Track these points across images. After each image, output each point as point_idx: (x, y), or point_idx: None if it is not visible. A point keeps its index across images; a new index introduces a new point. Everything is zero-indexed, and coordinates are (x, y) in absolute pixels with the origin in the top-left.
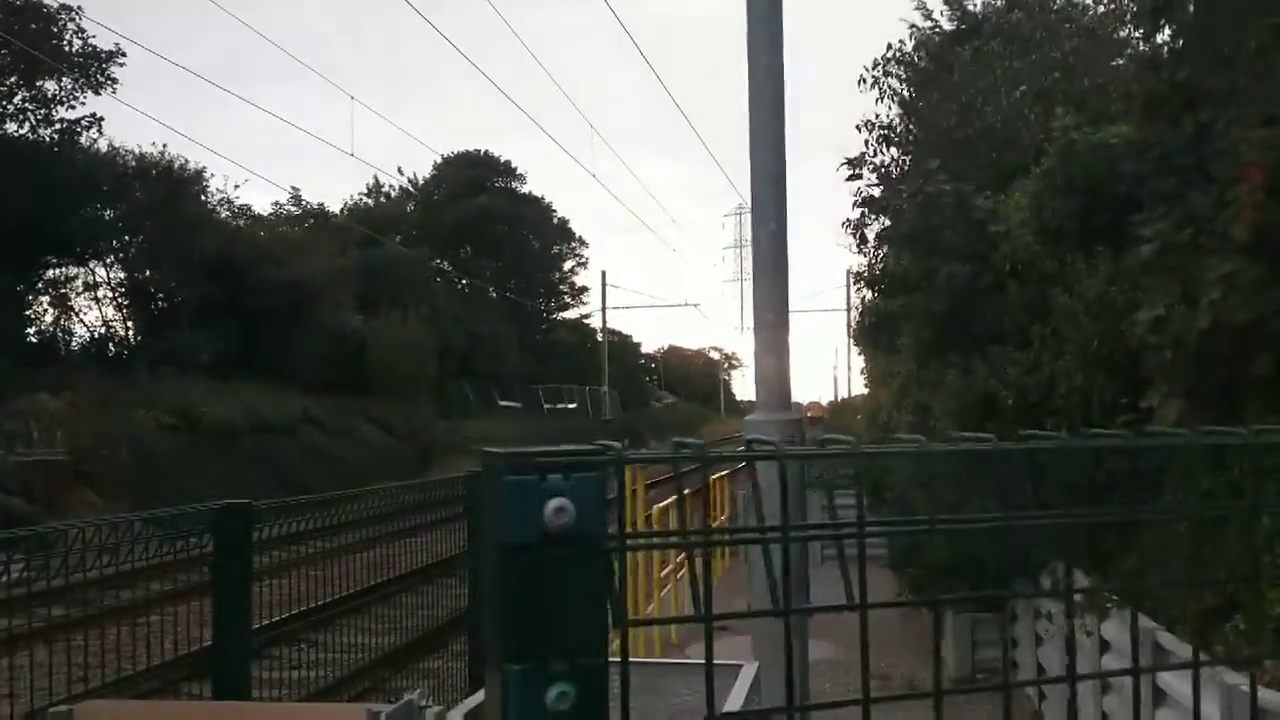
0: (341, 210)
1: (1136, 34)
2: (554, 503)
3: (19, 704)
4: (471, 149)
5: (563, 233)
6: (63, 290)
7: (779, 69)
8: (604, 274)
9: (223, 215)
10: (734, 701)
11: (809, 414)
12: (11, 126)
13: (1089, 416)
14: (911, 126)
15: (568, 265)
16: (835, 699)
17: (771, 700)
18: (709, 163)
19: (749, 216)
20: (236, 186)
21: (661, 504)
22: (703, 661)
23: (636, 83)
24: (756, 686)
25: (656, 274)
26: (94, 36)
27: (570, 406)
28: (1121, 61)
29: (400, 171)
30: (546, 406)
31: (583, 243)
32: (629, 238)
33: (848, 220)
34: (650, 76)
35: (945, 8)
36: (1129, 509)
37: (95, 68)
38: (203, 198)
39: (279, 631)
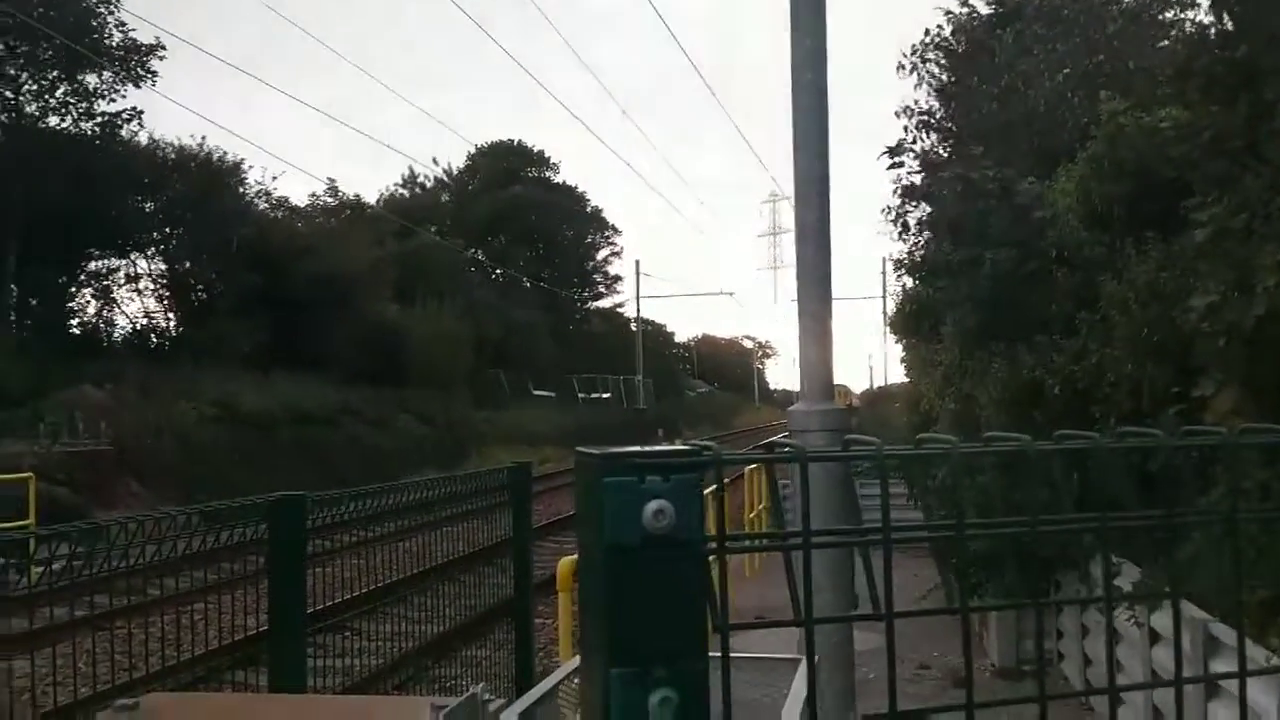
0: (377, 201)
1: (1182, 15)
2: (653, 504)
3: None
4: (505, 138)
5: (596, 221)
6: (105, 282)
7: (821, 58)
8: (637, 262)
9: (261, 207)
10: (796, 697)
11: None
12: (54, 120)
13: (1139, 406)
14: (952, 112)
15: (601, 254)
16: (879, 687)
17: (827, 694)
18: (745, 150)
19: (784, 205)
20: (274, 178)
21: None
22: (757, 655)
23: (671, 69)
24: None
25: (690, 263)
26: (133, 30)
27: (604, 396)
28: (1166, 43)
29: (435, 162)
30: (581, 396)
31: (616, 231)
32: (663, 226)
33: (888, 208)
34: (684, 62)
35: None
36: (1172, 510)
37: (135, 61)
38: (241, 189)
39: (327, 623)
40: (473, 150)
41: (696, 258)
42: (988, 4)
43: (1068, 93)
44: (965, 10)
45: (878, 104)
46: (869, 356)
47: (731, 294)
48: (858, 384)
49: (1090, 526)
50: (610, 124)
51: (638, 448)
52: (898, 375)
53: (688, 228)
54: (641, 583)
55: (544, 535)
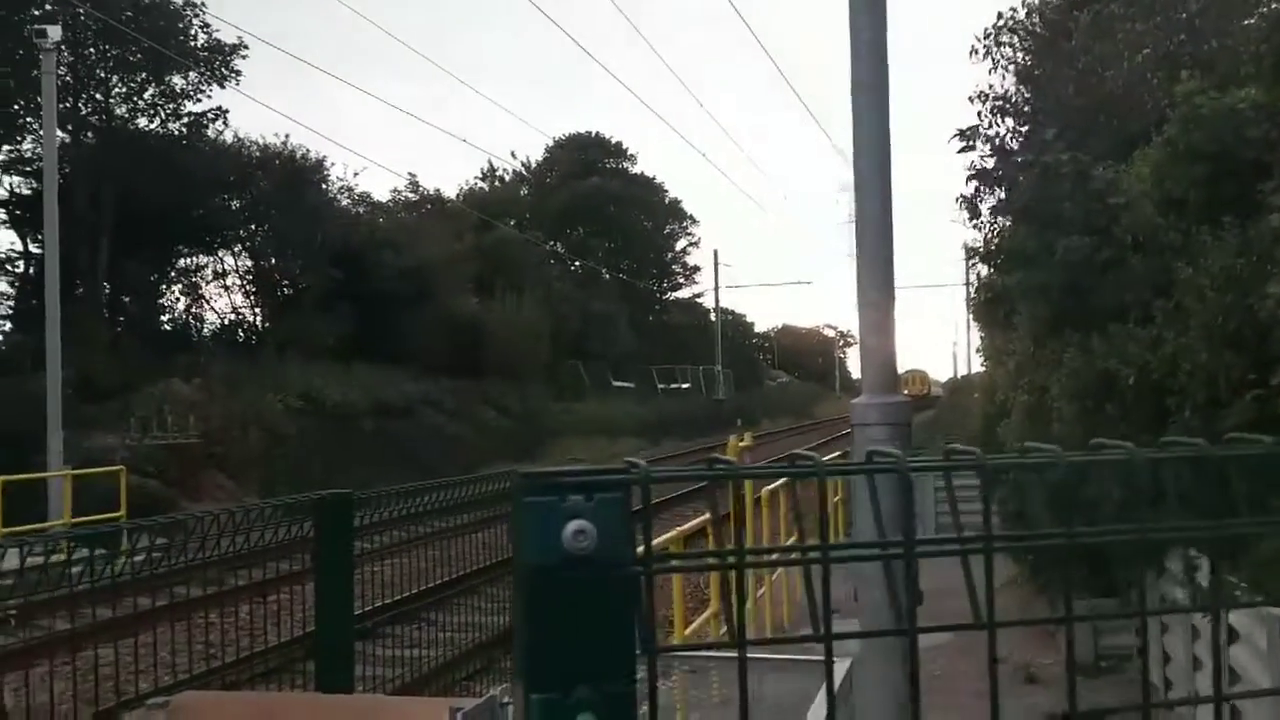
0: (457, 195)
1: None
2: (573, 524)
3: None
4: (583, 131)
5: (674, 212)
6: (194, 279)
7: (882, 39)
8: (716, 253)
9: (343, 203)
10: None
11: (907, 390)
12: (142, 121)
13: (1215, 395)
14: (1028, 95)
15: (680, 245)
16: (948, 683)
17: (872, 698)
18: (821, 137)
19: None
20: (355, 174)
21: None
22: (783, 657)
23: (748, 59)
24: (848, 683)
25: (770, 252)
26: (217, 31)
27: (684, 386)
28: (1251, 22)
29: (513, 155)
30: (660, 387)
31: (694, 221)
32: (742, 216)
33: (961, 196)
34: (759, 51)
35: None
36: (1259, 518)
37: (219, 61)
38: (323, 186)
39: (370, 622)
40: (551, 143)
41: (776, 247)
42: None
43: (1146, 74)
44: None
45: (958, 88)
46: (954, 345)
47: (810, 283)
48: (942, 373)
49: (1186, 536)
50: (688, 115)
51: (559, 467)
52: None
53: (767, 217)
54: (562, 605)
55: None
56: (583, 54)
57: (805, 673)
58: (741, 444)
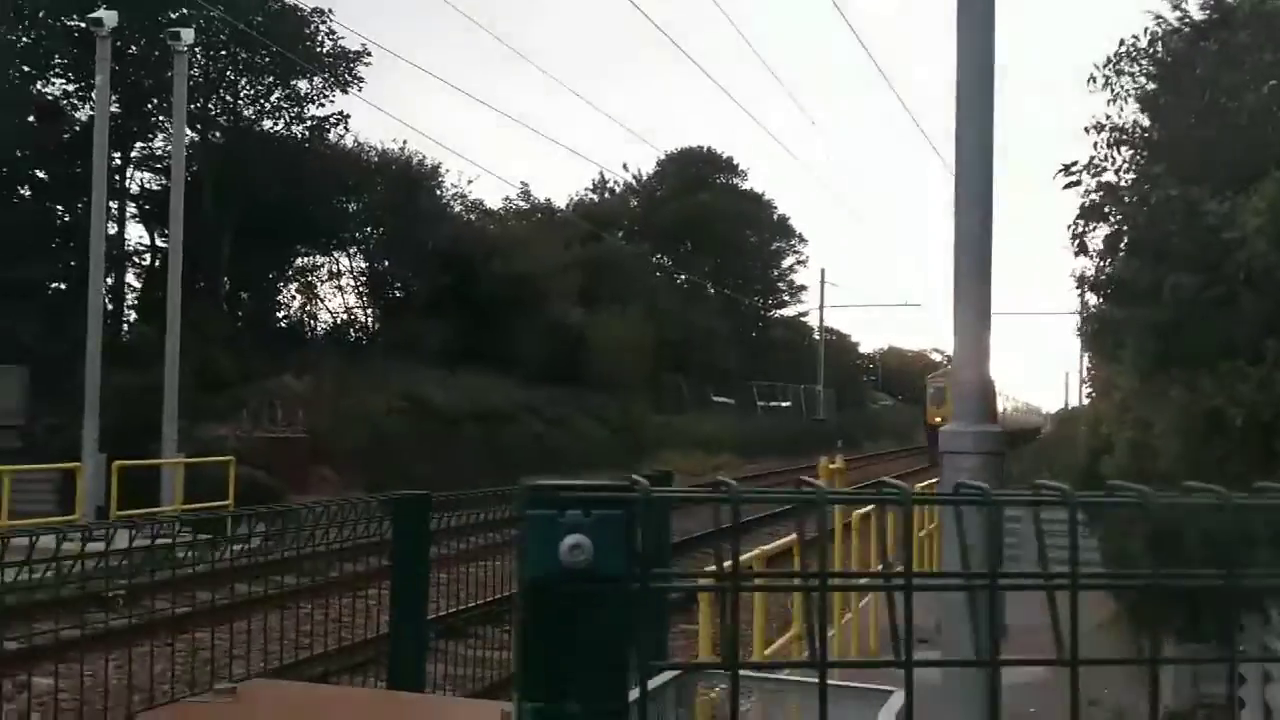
0: (567, 205)
1: None
2: (570, 539)
3: (239, 667)
4: (695, 145)
5: (782, 229)
6: (309, 278)
7: (989, 64)
8: (823, 271)
9: (456, 209)
10: None
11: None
12: (268, 123)
13: None
14: (1147, 126)
15: (786, 262)
16: None
17: None
18: (931, 155)
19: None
20: (470, 182)
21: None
22: (853, 685)
23: (860, 77)
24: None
25: (878, 273)
26: (342, 38)
27: (784, 405)
28: None
29: (625, 168)
30: (760, 404)
31: (802, 240)
32: (851, 235)
33: (1071, 225)
34: (870, 67)
35: None
36: None
37: (343, 68)
38: (438, 192)
39: (447, 624)
40: (662, 156)
41: (885, 268)
42: (1201, 9)
43: (1273, 106)
44: (1178, 15)
45: (1076, 117)
46: (1066, 374)
47: (919, 305)
48: (1054, 402)
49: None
50: (800, 134)
51: (562, 481)
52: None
53: (876, 237)
54: (557, 617)
55: (695, 548)
56: (696, 68)
57: (868, 701)
58: (832, 466)
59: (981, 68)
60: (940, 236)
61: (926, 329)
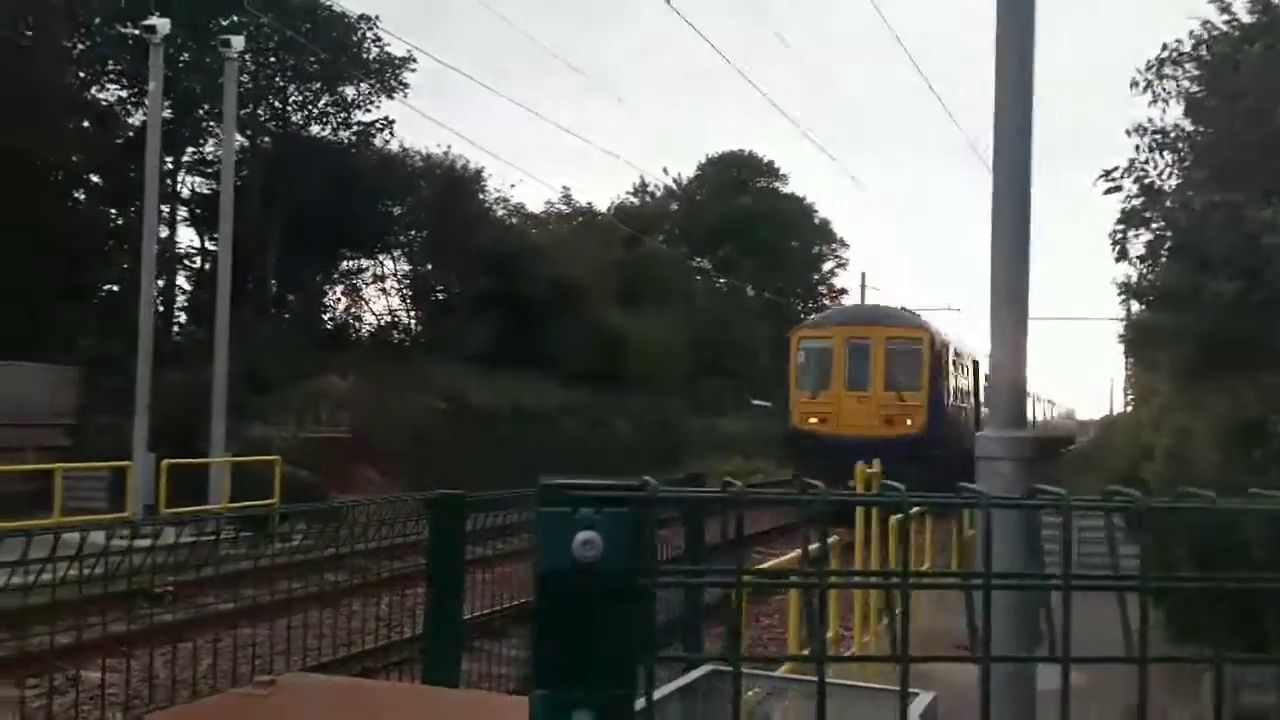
0: (608, 209)
1: None
2: (581, 535)
3: (280, 663)
4: (735, 149)
5: (823, 233)
6: (354, 280)
7: (1027, 68)
8: (864, 275)
9: (498, 213)
10: None
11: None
12: (315, 129)
13: None
14: (1189, 130)
15: (827, 266)
16: None
17: None
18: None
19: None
20: (512, 186)
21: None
22: (854, 684)
23: (897, 80)
24: (931, 716)
25: (918, 277)
26: (388, 45)
27: None
28: None
29: (665, 171)
30: None
31: (843, 244)
32: (891, 240)
33: (1113, 232)
34: (909, 71)
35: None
36: None
37: (389, 74)
38: (480, 196)
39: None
40: (703, 160)
41: (928, 272)
42: (1250, 13)
43: None
44: (1225, 19)
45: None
46: (1110, 381)
47: (959, 310)
48: (1098, 409)
49: None
50: (838, 137)
51: (577, 480)
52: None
53: (916, 242)
54: (568, 610)
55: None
56: (736, 72)
57: (887, 703)
58: (870, 470)
59: (1019, 73)
60: (979, 240)
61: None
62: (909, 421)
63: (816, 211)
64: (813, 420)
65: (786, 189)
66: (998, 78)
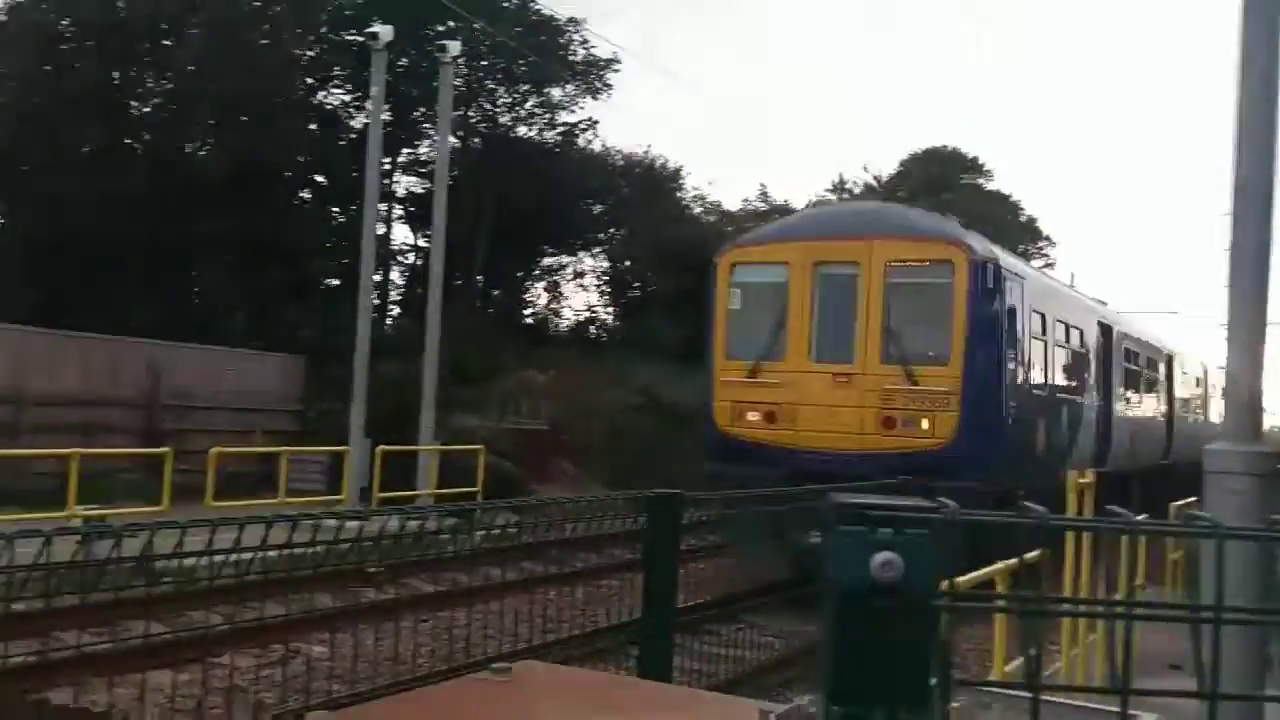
0: (806, 206)
1: None
2: (881, 556)
3: (491, 646)
4: (939, 144)
5: (1029, 230)
6: (555, 277)
7: (1272, 66)
8: (1072, 275)
9: (695, 211)
10: None
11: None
12: (522, 130)
13: None
14: None
15: (1034, 265)
16: None
17: None
18: (1194, 153)
19: None
20: (710, 183)
21: None
22: (1074, 703)
23: (1118, 74)
24: None
25: (1133, 276)
26: (594, 46)
27: None
28: None
29: (865, 169)
30: None
31: (1051, 242)
32: (1104, 238)
33: None
34: (1132, 62)
35: None
36: None
37: (594, 75)
38: (678, 194)
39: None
40: (905, 156)
41: (1145, 272)
42: None
43: None
44: None
45: None
46: None
47: (1176, 313)
48: None
49: None
50: (1053, 133)
51: (873, 499)
52: None
53: (1129, 240)
54: (865, 629)
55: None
56: (939, 65)
57: None
58: (1082, 480)
59: (1265, 72)
60: (1203, 240)
61: (1182, 337)
62: (925, 424)
63: (1023, 209)
64: (750, 418)
65: (991, 185)
66: (1241, 77)
